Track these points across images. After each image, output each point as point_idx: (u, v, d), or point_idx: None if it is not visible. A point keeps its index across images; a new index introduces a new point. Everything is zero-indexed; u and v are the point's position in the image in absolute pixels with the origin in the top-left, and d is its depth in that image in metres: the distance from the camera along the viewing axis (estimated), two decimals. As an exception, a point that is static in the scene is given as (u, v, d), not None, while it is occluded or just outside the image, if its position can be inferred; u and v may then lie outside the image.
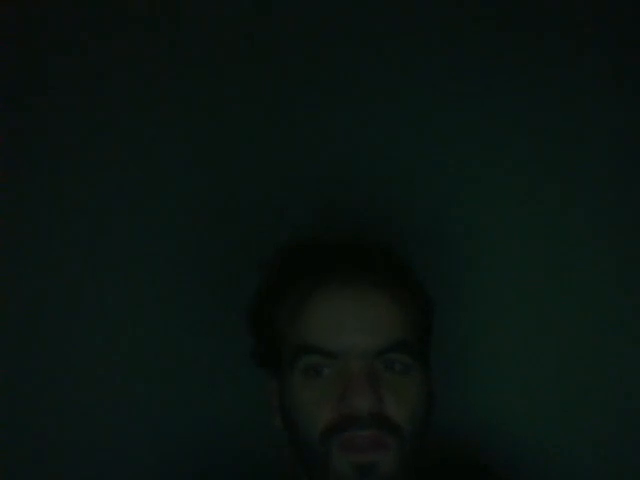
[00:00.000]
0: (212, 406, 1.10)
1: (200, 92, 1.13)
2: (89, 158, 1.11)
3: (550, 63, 1.14)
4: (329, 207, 1.12)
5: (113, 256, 1.10)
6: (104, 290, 1.09)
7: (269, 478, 1.01)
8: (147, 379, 1.09)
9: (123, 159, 1.11)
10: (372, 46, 1.14)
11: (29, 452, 1.08)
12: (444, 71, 1.14)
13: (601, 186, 1.13)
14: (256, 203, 1.12)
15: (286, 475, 0.88)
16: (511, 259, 1.13)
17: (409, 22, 1.15)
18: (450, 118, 1.14)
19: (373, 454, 0.76)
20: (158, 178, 1.12)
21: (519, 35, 1.15)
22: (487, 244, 1.13)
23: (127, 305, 1.10)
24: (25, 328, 1.08)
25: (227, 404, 1.10)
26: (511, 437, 1.11)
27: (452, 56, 1.14)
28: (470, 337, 1.12)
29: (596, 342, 1.12)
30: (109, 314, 1.09)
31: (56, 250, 1.10)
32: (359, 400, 0.76)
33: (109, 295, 1.10)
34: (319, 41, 1.14)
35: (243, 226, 1.12)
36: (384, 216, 1.12)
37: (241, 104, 1.13)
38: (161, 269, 1.10)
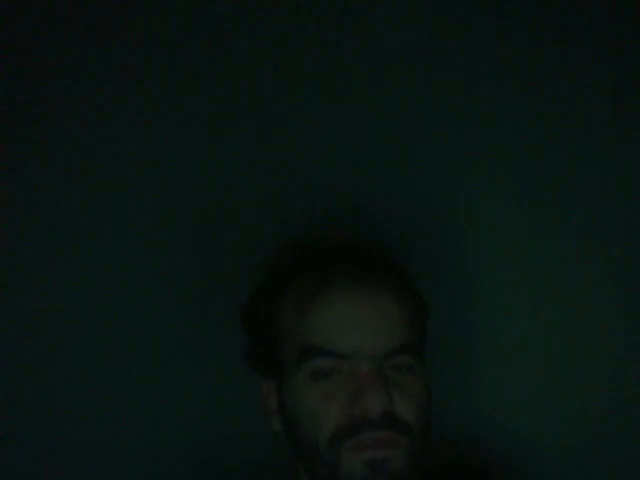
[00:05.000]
0: (212, 407, 1.10)
1: (200, 92, 1.12)
2: (88, 159, 1.11)
3: (550, 63, 1.14)
4: (329, 207, 1.12)
5: (112, 257, 1.10)
6: (103, 291, 1.09)
7: (269, 479, 1.01)
8: (146, 380, 1.09)
9: (122, 159, 1.11)
10: (371, 46, 1.14)
11: (29, 452, 1.07)
12: (444, 71, 1.14)
13: (601, 185, 1.13)
14: (256, 203, 1.12)
15: (287, 476, 0.88)
16: (511, 259, 1.13)
17: (410, 22, 1.15)
18: (450, 118, 1.14)
19: (384, 451, 0.75)
20: (157, 178, 1.12)
21: (519, 35, 1.15)
22: (487, 244, 1.13)
23: (127, 306, 1.10)
24: (23, 329, 1.08)
25: (227, 405, 1.09)
26: (511, 437, 1.11)
27: (451, 56, 1.14)
28: (470, 337, 1.12)
29: (596, 341, 1.12)
30: (107, 315, 1.09)
31: (55, 251, 1.09)
32: (373, 401, 0.75)
33: (107, 296, 1.09)
34: (318, 41, 1.14)
35: (243, 226, 1.12)
36: (384, 216, 1.12)
37: (241, 104, 1.13)
38: (160, 270, 1.10)
